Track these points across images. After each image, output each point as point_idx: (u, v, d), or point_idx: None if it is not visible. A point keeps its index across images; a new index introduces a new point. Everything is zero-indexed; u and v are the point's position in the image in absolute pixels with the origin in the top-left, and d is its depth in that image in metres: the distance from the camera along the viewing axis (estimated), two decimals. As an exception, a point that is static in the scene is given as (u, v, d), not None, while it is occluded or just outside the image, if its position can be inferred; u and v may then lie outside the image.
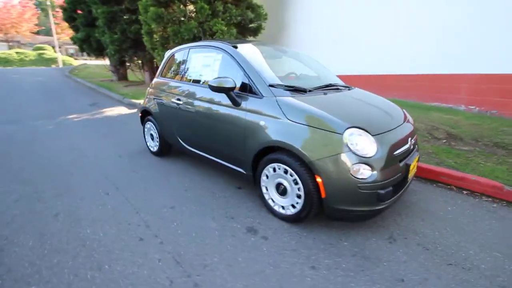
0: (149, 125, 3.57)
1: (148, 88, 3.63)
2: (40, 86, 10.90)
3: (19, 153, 3.70)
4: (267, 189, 2.21)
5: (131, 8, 8.83)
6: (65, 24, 16.75)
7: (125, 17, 8.91)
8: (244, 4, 7.53)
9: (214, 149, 2.61)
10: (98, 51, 11.05)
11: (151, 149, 3.63)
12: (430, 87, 5.29)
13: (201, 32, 7.13)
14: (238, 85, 2.28)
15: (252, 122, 2.14)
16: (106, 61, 12.48)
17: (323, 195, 1.83)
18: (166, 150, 3.52)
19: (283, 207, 2.12)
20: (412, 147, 2.16)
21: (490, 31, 4.46)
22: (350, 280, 1.57)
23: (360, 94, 2.54)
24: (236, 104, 2.25)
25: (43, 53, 26.54)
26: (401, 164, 1.96)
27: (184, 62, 2.97)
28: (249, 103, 2.18)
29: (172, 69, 3.20)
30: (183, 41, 7.24)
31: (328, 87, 2.47)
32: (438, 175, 2.78)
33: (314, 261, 1.71)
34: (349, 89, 2.60)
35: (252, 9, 7.66)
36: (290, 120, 1.94)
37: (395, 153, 1.89)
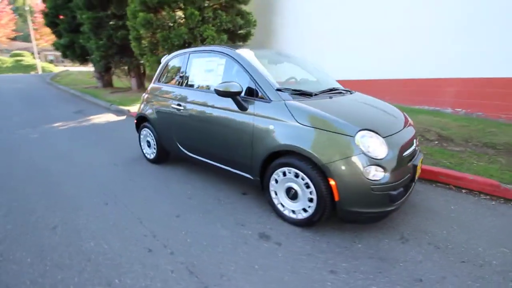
0: (145, 131, 3.47)
1: (144, 94, 3.55)
2: (21, 94, 10.43)
3: (4, 163, 3.49)
4: (276, 194, 2.18)
5: (118, 14, 8.68)
6: (44, 30, 16.23)
7: (111, 22, 8.73)
8: (234, 11, 7.58)
9: (219, 155, 2.56)
10: (82, 57, 10.73)
11: (148, 156, 3.53)
12: (417, 91, 5.48)
13: (191, 38, 7.09)
14: (244, 90, 2.26)
15: (261, 126, 2.12)
16: (90, 68, 12.15)
17: (336, 198, 1.83)
18: (164, 157, 3.42)
19: (293, 212, 2.10)
20: (416, 148, 2.21)
21: (474, 37, 4.70)
22: (370, 282, 1.56)
23: (363, 97, 2.58)
24: (242, 108, 2.23)
25: (20, 60, 25.48)
26: (409, 165, 2.00)
27: (184, 67, 2.92)
28: (257, 107, 2.16)
29: (171, 74, 3.14)
30: (173, 47, 7.16)
31: (332, 91, 2.50)
32: (437, 175, 2.85)
33: (332, 265, 1.70)
34: (350, 93, 2.64)
35: (242, 16, 7.72)
36: (301, 124, 1.94)
37: (404, 154, 1.93)
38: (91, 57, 9.70)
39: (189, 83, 2.86)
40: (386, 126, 2.03)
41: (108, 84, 11.81)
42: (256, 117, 2.15)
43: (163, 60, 3.34)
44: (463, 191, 2.69)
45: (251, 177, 2.33)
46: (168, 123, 3.03)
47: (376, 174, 1.77)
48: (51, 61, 30.20)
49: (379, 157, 1.78)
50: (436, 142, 3.91)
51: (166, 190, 2.78)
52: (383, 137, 1.85)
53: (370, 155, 1.77)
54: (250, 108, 2.20)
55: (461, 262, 1.73)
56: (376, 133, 1.85)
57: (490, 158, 3.27)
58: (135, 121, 3.61)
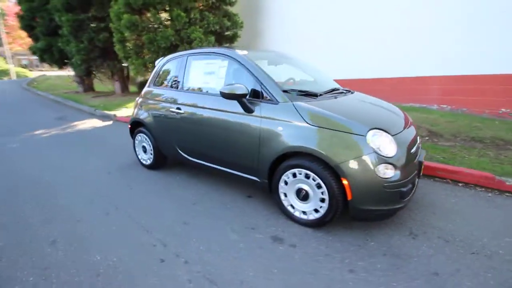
0: (140, 137, 3.36)
1: (138, 98, 3.44)
2: (-6, 101, 9.85)
3: (-12, 176, 3.27)
4: (285, 196, 2.17)
5: (99, 16, 8.39)
6: (18, 33, 15.40)
7: (92, 25, 8.42)
8: (221, 13, 7.52)
9: (222, 158, 2.52)
10: (61, 61, 10.27)
11: (144, 162, 3.42)
12: (405, 89, 5.66)
13: (178, 40, 6.97)
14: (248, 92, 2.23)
15: (268, 128, 2.11)
16: (69, 72, 11.65)
17: (349, 197, 1.85)
18: (161, 162, 3.33)
19: (304, 213, 2.09)
20: (419, 145, 2.27)
21: (457, 36, 4.92)
22: (390, 279, 1.58)
23: (365, 97, 2.63)
24: (248, 111, 2.20)
25: (-9, 65, 24.05)
26: (415, 161, 2.05)
27: (182, 70, 2.85)
28: (264, 109, 2.14)
29: (168, 77, 3.06)
30: (160, 49, 7.01)
31: (334, 91, 2.53)
32: (434, 170, 2.95)
33: (349, 264, 1.71)
34: (351, 93, 2.68)
35: (229, 17, 7.68)
36: (311, 125, 1.94)
37: (411, 151, 1.98)
38: (71, 61, 9.31)
39: (189, 86, 2.79)
40: (393, 124, 2.07)
41: (89, 88, 11.38)
42: (263, 119, 2.13)
43: (158, 63, 3.25)
44: (460, 184, 2.80)
45: (258, 180, 2.31)
46: (167, 127, 2.95)
47: (388, 172, 1.80)
48: (25, 66, 28.69)
49: (389, 155, 1.81)
50: (427, 138, 4.05)
51: (168, 196, 2.70)
52: (392, 135, 1.89)
53: (381, 153, 1.80)
54: (257, 110, 2.18)
55: (471, 253, 1.79)
56: (386, 131, 1.88)
57: (480, 152, 3.43)
58: (129, 126, 3.49)
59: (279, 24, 8.15)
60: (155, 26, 7.08)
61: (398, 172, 1.83)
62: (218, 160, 2.57)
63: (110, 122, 6.51)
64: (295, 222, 2.16)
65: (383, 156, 1.80)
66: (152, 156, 3.26)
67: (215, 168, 2.63)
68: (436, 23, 5.09)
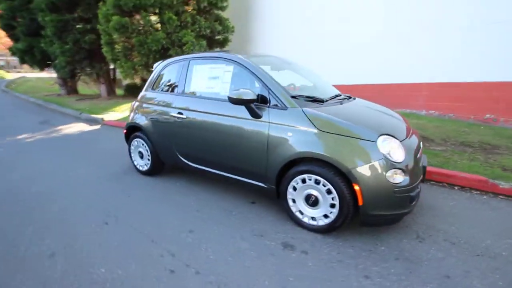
0: (137, 142, 3.25)
1: (134, 102, 3.34)
2: (-32, 104, 9.28)
3: (-30, 184, 3.06)
4: (294, 202, 2.16)
5: (85, 17, 8.14)
6: (-6, 33, 14.66)
7: (78, 26, 8.15)
8: (212, 17, 7.50)
9: (227, 164, 2.47)
10: (43, 63, 9.86)
11: (140, 168, 3.31)
12: (393, 96, 5.83)
13: (169, 43, 6.87)
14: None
15: (277, 134, 2.10)
16: (51, 74, 11.20)
17: (360, 202, 1.86)
18: (158, 168, 3.24)
19: (313, 218, 2.09)
20: (422, 150, 2.33)
21: (444, 45, 5.14)
22: (405, 284, 1.59)
23: (366, 103, 2.68)
24: (256, 116, 2.18)
25: (-38, 66, 22.69)
26: (420, 166, 2.10)
27: (183, 74, 2.79)
28: (272, 115, 2.13)
29: (168, 81, 2.99)
30: (150, 52, 6.88)
31: (338, 97, 2.56)
32: (430, 174, 3.04)
33: (363, 270, 1.71)
34: (353, 99, 2.72)
35: (220, 22, 7.67)
36: (321, 131, 1.94)
37: (417, 156, 2.02)
38: (55, 63, 8.94)
39: (191, 90, 2.74)
40: (399, 130, 2.11)
41: (72, 91, 10.98)
42: (272, 124, 2.12)
43: (156, 67, 3.17)
44: (455, 187, 2.89)
45: (265, 186, 2.29)
46: (166, 132, 2.87)
47: (397, 177, 1.84)
48: (1, 67, 27.28)
49: (399, 161, 1.85)
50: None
51: (169, 203, 2.62)
52: (400, 141, 1.93)
53: (391, 159, 1.83)
54: (265, 116, 2.16)
55: (476, 255, 1.84)
56: (394, 137, 1.92)
57: (470, 156, 3.57)
58: (125, 131, 3.38)
59: (269, 29, 8.23)
60: (146, 28, 6.95)
61: (407, 177, 1.86)
62: (222, 166, 2.53)
63: (98, 126, 6.29)
64: (304, 228, 2.15)
65: (393, 161, 1.83)
66: (149, 162, 3.16)
67: (219, 174, 2.58)
68: (424, 32, 5.30)
